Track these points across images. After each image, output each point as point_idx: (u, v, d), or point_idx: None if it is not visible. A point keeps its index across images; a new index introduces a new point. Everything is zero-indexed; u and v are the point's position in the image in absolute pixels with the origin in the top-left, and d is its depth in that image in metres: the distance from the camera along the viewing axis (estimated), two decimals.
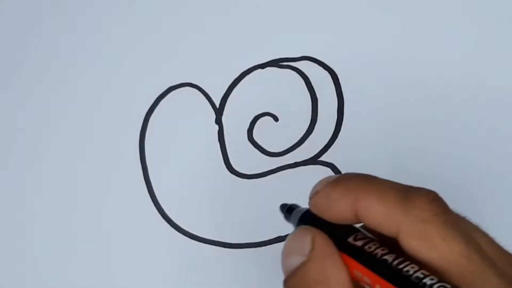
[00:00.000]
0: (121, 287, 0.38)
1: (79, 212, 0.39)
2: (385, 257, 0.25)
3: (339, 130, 0.39)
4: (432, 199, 0.25)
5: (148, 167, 0.39)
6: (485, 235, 0.27)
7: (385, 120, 0.38)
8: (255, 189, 0.38)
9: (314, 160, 0.38)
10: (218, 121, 0.40)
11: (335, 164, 0.38)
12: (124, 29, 0.41)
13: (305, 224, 0.28)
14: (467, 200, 0.39)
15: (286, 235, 0.37)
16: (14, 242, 0.39)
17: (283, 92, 0.39)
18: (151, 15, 0.41)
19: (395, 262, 0.24)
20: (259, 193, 0.38)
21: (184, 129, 0.39)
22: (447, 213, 0.25)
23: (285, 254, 0.27)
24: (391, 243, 0.25)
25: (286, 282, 0.27)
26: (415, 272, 0.24)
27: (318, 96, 0.39)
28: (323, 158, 0.38)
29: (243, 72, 0.40)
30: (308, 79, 0.40)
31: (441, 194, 0.34)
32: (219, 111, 0.40)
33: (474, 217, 0.38)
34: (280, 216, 0.38)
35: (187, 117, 0.40)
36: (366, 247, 0.25)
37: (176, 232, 0.38)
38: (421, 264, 0.24)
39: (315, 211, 0.27)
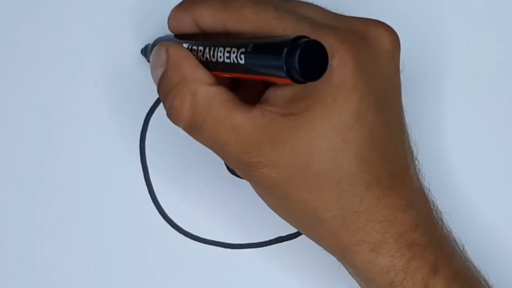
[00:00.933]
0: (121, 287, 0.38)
1: (79, 213, 0.39)
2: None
3: None
4: None
5: (149, 168, 0.39)
6: (314, 7, 0.31)
7: None
8: None
9: None
10: None
11: None
12: (124, 29, 0.41)
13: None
14: (467, 199, 0.39)
15: (287, 236, 0.37)
16: (13, 242, 0.39)
17: None
18: (153, 14, 0.41)
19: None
20: None
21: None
22: None
23: (151, 71, 0.32)
24: None
25: (158, 91, 0.31)
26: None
27: None
28: None
29: None
30: None
31: (442, 194, 0.35)
32: None
33: (474, 216, 0.39)
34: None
35: None
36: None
37: (176, 232, 0.38)
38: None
39: (171, 31, 0.33)
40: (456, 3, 0.40)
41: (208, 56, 0.30)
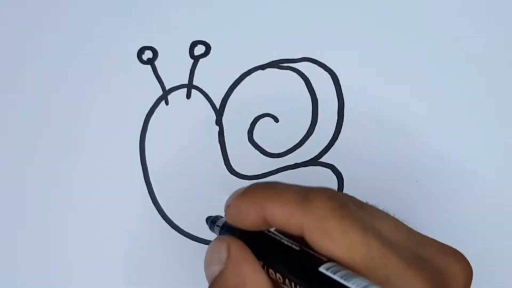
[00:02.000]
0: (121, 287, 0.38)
1: (79, 213, 0.39)
2: (293, 246, 0.27)
3: (340, 131, 0.39)
4: (330, 196, 0.27)
5: (149, 168, 0.39)
6: (390, 220, 0.28)
7: (386, 121, 0.38)
8: None
9: (314, 161, 0.38)
10: (219, 122, 0.40)
11: (335, 165, 0.38)
12: (125, 29, 0.41)
13: (225, 233, 0.30)
14: (466, 197, 0.39)
15: None
16: (13, 242, 0.39)
17: (283, 93, 0.39)
18: (151, 15, 0.41)
19: (300, 254, 0.26)
20: None
21: (185, 130, 0.39)
22: (345, 207, 0.26)
23: (206, 265, 0.29)
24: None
25: None
26: (316, 261, 0.25)
27: (318, 97, 0.39)
28: (323, 159, 0.38)
29: (243, 73, 0.40)
30: (308, 80, 0.40)
31: (441, 194, 0.34)
32: (219, 112, 0.40)
33: (474, 214, 0.39)
34: None
35: (188, 118, 0.40)
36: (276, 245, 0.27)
37: (176, 233, 0.38)
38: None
39: (230, 222, 0.29)
40: (455, 3, 0.40)
41: (275, 268, 0.27)
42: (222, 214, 0.38)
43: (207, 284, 0.37)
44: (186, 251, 0.38)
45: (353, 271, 0.25)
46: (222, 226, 0.31)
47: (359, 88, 0.39)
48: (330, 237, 0.26)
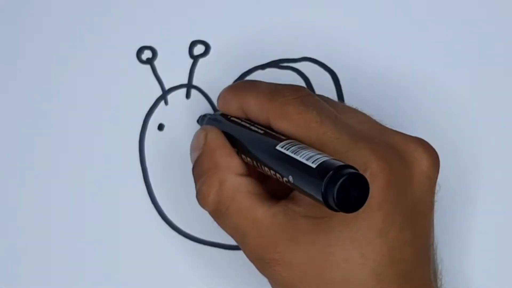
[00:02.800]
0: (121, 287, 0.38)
1: (78, 214, 0.39)
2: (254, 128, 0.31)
3: None
4: (295, 88, 0.31)
5: (148, 169, 0.39)
6: (359, 114, 0.31)
7: (386, 121, 0.38)
8: None
9: None
10: None
11: None
12: (124, 28, 0.41)
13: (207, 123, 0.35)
14: (466, 197, 0.39)
15: None
16: (12, 242, 0.39)
17: None
18: (151, 15, 0.41)
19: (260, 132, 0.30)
20: None
21: (184, 130, 0.39)
22: (306, 96, 0.30)
23: (190, 151, 0.34)
24: None
25: (192, 171, 0.33)
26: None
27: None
28: None
29: (243, 73, 0.40)
30: (308, 80, 0.39)
31: (443, 191, 0.35)
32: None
33: (473, 214, 0.39)
34: None
35: (187, 118, 0.40)
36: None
37: (175, 233, 0.38)
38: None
39: (220, 109, 0.34)
40: (455, 3, 0.40)
41: (245, 152, 0.31)
42: None
43: (204, 284, 0.38)
44: (185, 252, 0.38)
45: (309, 146, 0.28)
46: (207, 118, 0.36)
47: (359, 88, 0.39)
48: (288, 119, 0.29)
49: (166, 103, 0.40)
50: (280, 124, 0.29)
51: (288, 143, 0.28)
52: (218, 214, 0.31)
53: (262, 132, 0.30)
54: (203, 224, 0.38)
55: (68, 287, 0.38)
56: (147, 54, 0.41)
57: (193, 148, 0.33)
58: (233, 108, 0.33)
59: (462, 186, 0.38)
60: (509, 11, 0.40)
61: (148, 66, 0.40)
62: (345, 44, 0.40)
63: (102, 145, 0.40)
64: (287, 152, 0.27)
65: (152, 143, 0.39)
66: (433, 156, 0.30)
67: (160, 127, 0.40)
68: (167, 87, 0.40)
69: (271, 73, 0.40)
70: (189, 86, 0.40)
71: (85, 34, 0.41)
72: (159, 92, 0.40)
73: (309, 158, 0.26)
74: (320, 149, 0.27)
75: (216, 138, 0.32)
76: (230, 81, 0.40)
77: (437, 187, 0.30)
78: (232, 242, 0.37)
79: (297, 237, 0.28)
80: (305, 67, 0.40)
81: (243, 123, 0.32)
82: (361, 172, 0.24)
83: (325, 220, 0.28)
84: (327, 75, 0.39)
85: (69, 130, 0.40)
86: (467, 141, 0.39)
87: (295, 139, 0.28)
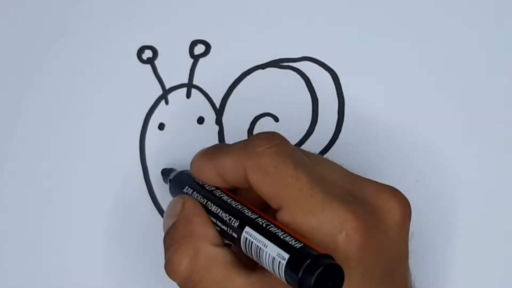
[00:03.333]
0: (121, 287, 0.38)
1: (78, 213, 0.39)
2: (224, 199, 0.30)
3: (340, 130, 0.39)
4: (267, 136, 0.30)
5: (149, 168, 0.39)
6: (331, 165, 0.31)
7: (386, 121, 0.38)
8: None
9: None
10: (218, 122, 0.39)
11: None
12: (124, 28, 0.41)
13: (175, 184, 0.34)
14: (466, 197, 0.39)
15: None
16: (12, 242, 0.39)
17: (283, 92, 0.39)
18: (151, 15, 0.41)
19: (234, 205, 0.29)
20: None
21: (184, 129, 0.39)
22: (281, 145, 0.29)
23: (164, 218, 0.32)
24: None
25: (164, 239, 0.31)
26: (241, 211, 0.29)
27: (318, 96, 0.39)
28: None
29: (243, 73, 0.40)
30: (308, 79, 0.39)
31: (442, 192, 0.34)
32: (219, 112, 0.40)
33: (474, 214, 0.38)
34: None
35: (187, 117, 0.40)
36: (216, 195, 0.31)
37: None
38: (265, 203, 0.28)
39: (194, 175, 0.32)
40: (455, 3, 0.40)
41: (220, 222, 0.30)
42: None
43: None
44: None
45: (283, 203, 0.27)
46: (172, 179, 0.35)
47: (360, 88, 0.39)
48: (264, 171, 0.28)
49: (166, 102, 0.40)
50: (256, 176, 0.29)
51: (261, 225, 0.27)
52: (189, 285, 0.29)
53: (236, 205, 0.29)
54: None
55: (66, 286, 0.38)
56: (147, 54, 0.41)
57: (168, 215, 0.32)
58: (208, 175, 0.31)
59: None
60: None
61: (148, 66, 0.40)
62: (345, 44, 0.40)
63: (103, 144, 0.40)
64: (255, 241, 0.27)
65: (153, 143, 0.40)
66: (405, 206, 0.30)
67: (161, 126, 0.40)
68: (167, 86, 0.40)
69: (271, 73, 0.40)
70: (189, 85, 0.40)
71: (86, 34, 0.41)
72: (159, 92, 0.40)
73: (283, 244, 0.26)
74: (294, 207, 0.27)
75: (194, 206, 0.31)
76: (230, 81, 0.40)
77: (410, 234, 0.30)
78: None
79: None
80: (305, 66, 0.40)
81: (217, 192, 0.31)
82: (336, 233, 0.25)
83: None
84: (327, 75, 0.39)
85: (70, 129, 0.40)
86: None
87: (272, 195, 0.28)
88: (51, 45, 0.41)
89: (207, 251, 0.29)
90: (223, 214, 0.29)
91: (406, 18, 0.40)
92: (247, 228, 0.28)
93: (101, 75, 0.41)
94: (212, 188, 0.31)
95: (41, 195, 0.39)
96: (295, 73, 0.40)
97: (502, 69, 0.39)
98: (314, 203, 0.27)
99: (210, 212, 0.30)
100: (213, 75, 0.40)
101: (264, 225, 0.27)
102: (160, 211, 0.38)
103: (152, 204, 0.39)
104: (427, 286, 0.35)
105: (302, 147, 0.38)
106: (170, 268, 0.30)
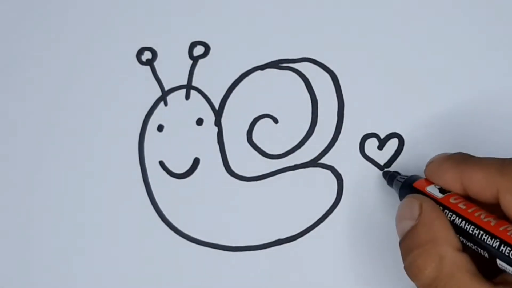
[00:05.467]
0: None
1: (77, 214, 0.39)
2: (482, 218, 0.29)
3: (339, 132, 0.38)
4: None
5: (147, 169, 0.39)
6: None
7: (386, 122, 0.38)
8: (255, 191, 0.38)
9: (314, 163, 0.38)
10: (217, 123, 0.39)
11: (335, 166, 0.38)
12: (124, 30, 0.41)
13: (406, 190, 0.33)
14: None
15: (286, 238, 0.37)
16: (12, 242, 0.39)
17: (282, 93, 0.39)
18: (151, 16, 0.41)
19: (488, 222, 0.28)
20: (259, 195, 0.38)
21: (183, 131, 0.39)
22: None
23: (398, 220, 0.31)
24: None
25: (401, 243, 0.30)
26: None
27: (318, 97, 0.39)
28: (323, 160, 0.38)
29: (242, 74, 0.40)
30: (308, 80, 0.39)
31: None
32: (218, 113, 0.39)
33: None
34: (279, 219, 0.37)
35: (186, 119, 0.40)
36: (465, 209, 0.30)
37: (175, 234, 0.38)
38: None
39: (428, 177, 0.32)
40: (454, 3, 0.39)
41: (465, 230, 0.29)
42: (222, 216, 0.38)
43: (203, 286, 0.37)
44: (185, 253, 0.38)
45: None
46: (404, 183, 0.34)
47: (359, 88, 0.39)
48: None
49: (165, 104, 0.40)
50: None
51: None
52: None
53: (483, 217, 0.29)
54: (202, 225, 0.38)
55: (66, 286, 0.38)
56: (147, 55, 0.41)
57: (403, 217, 0.31)
58: (449, 179, 0.31)
59: None
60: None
61: (148, 67, 0.40)
62: (345, 44, 0.39)
63: (102, 145, 0.40)
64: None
65: (152, 144, 0.39)
66: None
67: (160, 128, 0.40)
68: (166, 88, 0.40)
69: (271, 74, 0.40)
70: (188, 87, 0.40)
71: (85, 35, 0.41)
72: (158, 93, 0.40)
73: None
74: None
75: (434, 210, 0.30)
76: (230, 82, 0.40)
77: None
78: (230, 243, 0.38)
79: None
80: (305, 67, 0.39)
81: (452, 200, 0.30)
82: None
83: None
84: (326, 76, 0.39)
85: (69, 130, 0.40)
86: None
87: None
88: (50, 46, 0.41)
89: (452, 257, 0.28)
90: (476, 231, 0.29)
91: (406, 18, 0.39)
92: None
93: (100, 77, 0.41)
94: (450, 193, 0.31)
95: (40, 195, 0.39)
96: (294, 74, 0.39)
97: (502, 69, 0.39)
98: None
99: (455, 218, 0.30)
100: (212, 76, 0.40)
101: None
102: (159, 212, 0.38)
103: (151, 206, 0.39)
104: None
105: (302, 148, 0.38)
106: (413, 272, 0.29)
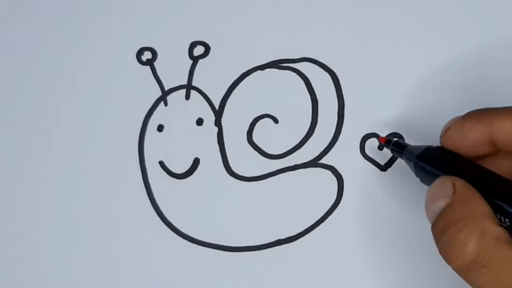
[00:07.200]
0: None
1: (77, 215, 0.39)
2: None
3: (340, 132, 0.38)
4: None
5: (147, 170, 0.39)
6: None
7: (386, 122, 0.38)
8: (255, 192, 0.38)
9: (314, 163, 0.38)
10: (218, 123, 0.39)
11: (336, 167, 0.38)
12: (124, 30, 0.41)
13: (424, 161, 0.31)
14: None
15: (286, 238, 0.37)
16: (12, 242, 0.39)
17: (283, 93, 0.39)
18: (151, 16, 0.41)
19: None
20: (259, 196, 0.38)
21: (183, 131, 0.39)
22: None
23: (430, 201, 0.29)
24: None
25: (434, 225, 0.29)
26: None
27: (318, 97, 0.39)
28: (323, 160, 0.38)
29: (242, 74, 0.40)
30: (308, 80, 0.39)
31: None
32: (218, 113, 0.39)
33: None
34: (280, 219, 0.37)
35: (186, 119, 0.39)
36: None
37: (175, 235, 0.38)
38: None
39: (448, 145, 0.30)
40: (454, 3, 0.39)
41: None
42: (222, 216, 0.38)
43: (203, 286, 0.37)
44: (185, 253, 0.38)
45: None
46: (422, 154, 0.32)
47: (359, 88, 0.38)
48: None
49: (165, 104, 0.40)
50: None
51: None
52: (475, 266, 0.27)
53: None
54: (201, 225, 0.38)
55: (66, 286, 0.38)
56: (147, 55, 0.41)
57: (437, 196, 0.29)
58: (475, 137, 0.29)
59: None
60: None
61: (148, 67, 0.40)
62: (345, 45, 0.39)
63: (102, 145, 0.40)
64: None
65: (152, 144, 0.39)
66: None
67: (160, 128, 0.40)
68: (166, 88, 0.40)
69: (271, 74, 0.39)
70: (188, 87, 0.40)
71: (85, 35, 0.41)
72: (158, 93, 0.40)
73: None
74: None
75: (468, 187, 0.29)
76: (230, 82, 0.40)
77: None
78: (230, 243, 0.37)
79: None
80: (305, 67, 0.39)
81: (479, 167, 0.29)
82: None
83: None
84: (327, 76, 0.39)
85: (69, 130, 0.40)
86: None
87: None
88: (50, 46, 0.41)
89: (494, 230, 0.27)
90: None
91: (406, 18, 0.39)
92: None
93: (100, 77, 0.41)
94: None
95: (40, 195, 0.39)
96: (294, 74, 0.39)
97: (503, 69, 0.38)
98: None
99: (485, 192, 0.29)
100: (212, 76, 0.40)
101: None
102: (159, 212, 0.38)
103: (151, 206, 0.39)
104: None
105: (302, 148, 0.38)
106: (452, 250, 0.28)
